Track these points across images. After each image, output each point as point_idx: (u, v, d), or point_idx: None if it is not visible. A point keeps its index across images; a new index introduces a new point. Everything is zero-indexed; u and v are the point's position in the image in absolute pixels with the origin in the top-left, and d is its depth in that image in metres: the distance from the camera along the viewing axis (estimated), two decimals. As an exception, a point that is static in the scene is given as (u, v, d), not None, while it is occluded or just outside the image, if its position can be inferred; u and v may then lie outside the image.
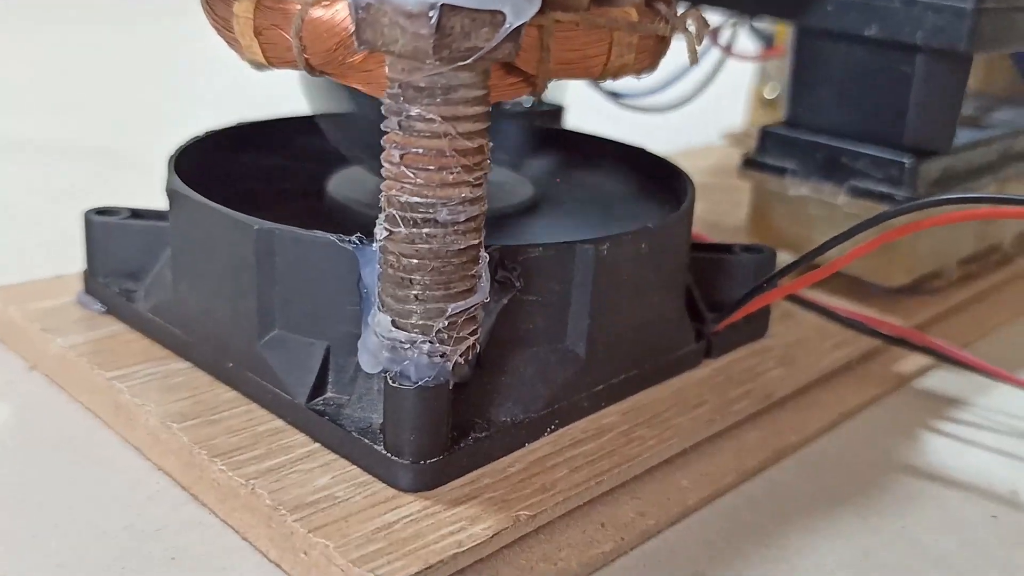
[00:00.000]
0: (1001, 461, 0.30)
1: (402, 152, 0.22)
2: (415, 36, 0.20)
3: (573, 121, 0.47)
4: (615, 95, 0.48)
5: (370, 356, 0.25)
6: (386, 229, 0.23)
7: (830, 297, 0.37)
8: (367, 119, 0.31)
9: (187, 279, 0.29)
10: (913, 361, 0.35)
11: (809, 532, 0.26)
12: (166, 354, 0.30)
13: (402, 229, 0.22)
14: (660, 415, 0.28)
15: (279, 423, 0.26)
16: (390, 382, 0.23)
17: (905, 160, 0.34)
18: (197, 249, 0.28)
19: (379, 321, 0.23)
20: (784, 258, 0.35)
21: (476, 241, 0.23)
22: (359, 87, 0.25)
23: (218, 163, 0.33)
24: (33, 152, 0.53)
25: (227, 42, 0.28)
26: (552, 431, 0.27)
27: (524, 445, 0.26)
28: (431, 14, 0.20)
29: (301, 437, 0.26)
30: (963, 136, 0.37)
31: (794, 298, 0.36)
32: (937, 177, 0.35)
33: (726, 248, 0.33)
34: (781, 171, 0.37)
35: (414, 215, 0.22)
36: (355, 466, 0.25)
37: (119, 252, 0.32)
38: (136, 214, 0.33)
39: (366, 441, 0.24)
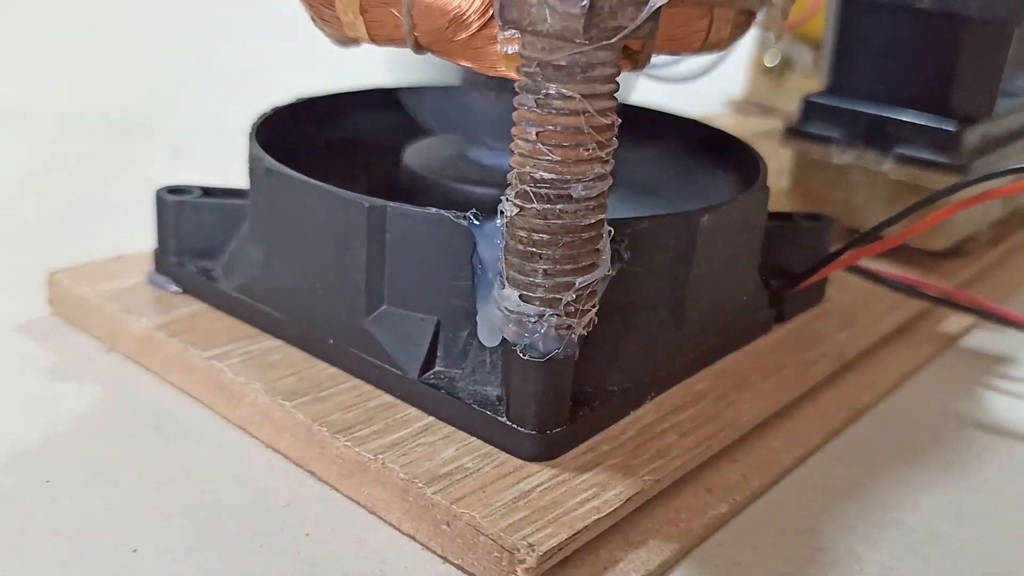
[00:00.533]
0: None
1: (539, 129, 0.22)
2: (565, 16, 0.21)
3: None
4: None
5: (490, 330, 0.25)
6: (516, 205, 0.23)
7: (873, 262, 0.38)
8: (451, 91, 0.32)
9: (281, 257, 0.29)
10: (957, 321, 0.37)
11: (901, 485, 0.27)
12: (254, 332, 0.30)
13: (535, 205, 0.23)
14: (747, 379, 0.29)
15: (388, 398, 0.27)
16: (520, 355, 0.24)
17: (951, 127, 0.36)
18: (294, 227, 0.28)
19: (505, 295, 0.24)
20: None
21: (603, 216, 0.24)
22: (466, 64, 0.26)
23: (290, 136, 0.33)
24: (43, 119, 0.52)
25: (320, 19, 0.28)
26: (652, 398, 0.28)
27: (630, 412, 0.27)
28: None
29: (414, 411, 0.26)
30: (999, 103, 0.38)
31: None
32: (978, 143, 0.37)
33: (788, 216, 0.34)
34: (824, 140, 0.38)
35: (549, 191, 0.23)
36: (474, 438, 0.25)
37: (193, 231, 0.32)
38: (207, 192, 0.32)
39: (488, 413, 0.25)
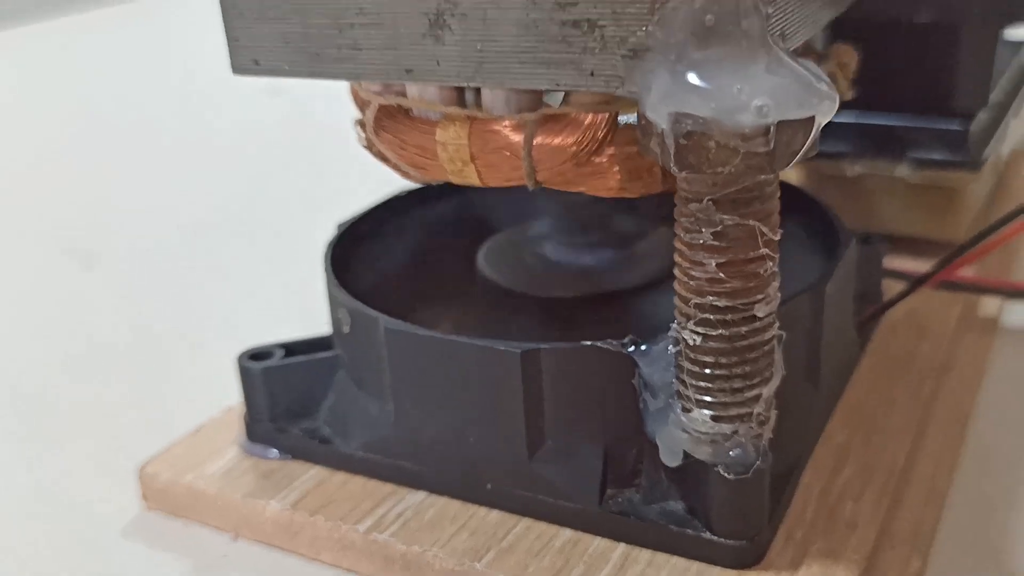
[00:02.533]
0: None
1: (718, 260, 0.23)
2: (749, 155, 0.21)
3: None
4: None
5: (671, 452, 0.25)
6: (698, 333, 0.23)
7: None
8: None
9: (418, 411, 0.28)
10: (988, 304, 0.39)
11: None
12: (392, 489, 0.29)
13: (720, 331, 0.23)
14: (874, 419, 0.30)
15: (568, 533, 0.27)
16: (724, 474, 0.24)
17: (958, 126, 0.38)
18: (430, 381, 0.27)
19: (695, 418, 0.24)
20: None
21: (777, 324, 0.24)
22: (588, 192, 0.26)
23: (351, 259, 0.32)
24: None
25: (412, 167, 0.27)
26: (806, 464, 0.28)
27: (797, 487, 0.28)
28: (768, 133, 0.21)
29: (601, 542, 0.26)
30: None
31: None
32: (982, 133, 0.39)
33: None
34: (835, 155, 0.40)
35: (732, 316, 0.23)
36: (675, 556, 0.26)
37: (284, 394, 0.31)
38: (290, 350, 0.31)
39: (688, 531, 0.25)
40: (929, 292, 0.37)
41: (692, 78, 0.21)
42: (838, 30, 0.37)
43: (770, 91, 0.21)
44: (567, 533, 0.27)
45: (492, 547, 0.26)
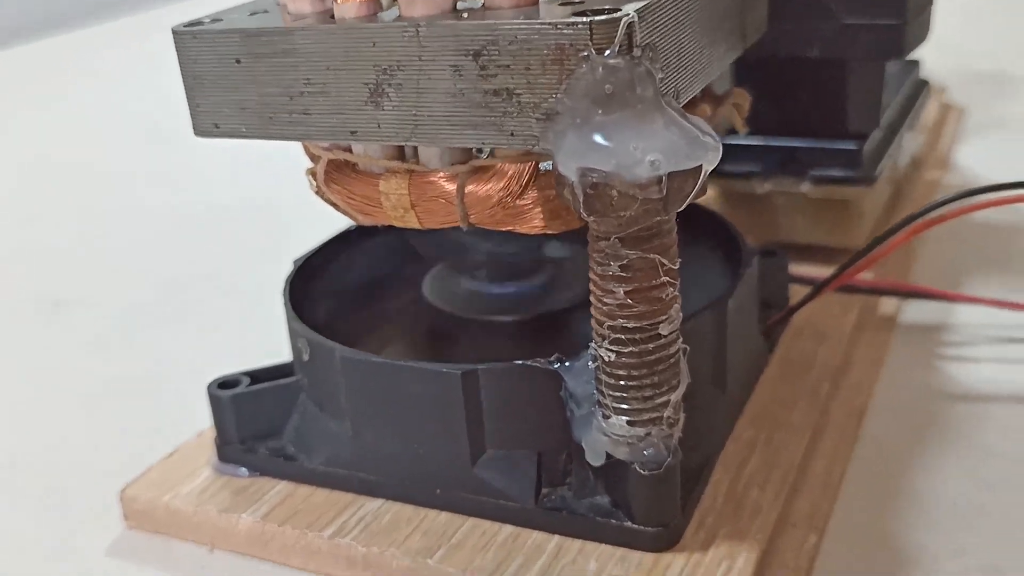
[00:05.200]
0: (1009, 369, 0.39)
1: (626, 288, 0.26)
2: (646, 201, 0.25)
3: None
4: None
5: (594, 453, 0.29)
6: (612, 351, 0.27)
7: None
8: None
9: (372, 429, 0.31)
10: (887, 304, 0.43)
11: (928, 471, 0.33)
12: (352, 498, 0.32)
13: (631, 348, 0.27)
14: (777, 418, 0.34)
15: (509, 528, 0.30)
16: (640, 471, 0.28)
17: (853, 145, 0.42)
18: (381, 401, 0.31)
19: (612, 425, 0.28)
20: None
21: (680, 337, 0.28)
22: (516, 230, 0.29)
23: (308, 299, 0.35)
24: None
25: (359, 214, 0.30)
26: (716, 460, 0.32)
27: (709, 480, 0.31)
28: (661, 183, 0.24)
29: (537, 535, 0.30)
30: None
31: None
32: (875, 150, 0.43)
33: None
34: (746, 175, 0.44)
35: (641, 335, 0.27)
36: (603, 544, 0.29)
37: (251, 418, 0.34)
38: (255, 378, 0.34)
39: (612, 521, 0.29)
40: (830, 297, 0.41)
41: (596, 138, 0.24)
42: (743, 67, 0.42)
43: (661, 147, 0.24)
44: (508, 529, 0.30)
45: (443, 545, 0.30)
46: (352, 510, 0.32)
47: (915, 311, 0.43)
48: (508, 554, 0.29)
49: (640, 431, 0.28)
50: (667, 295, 0.27)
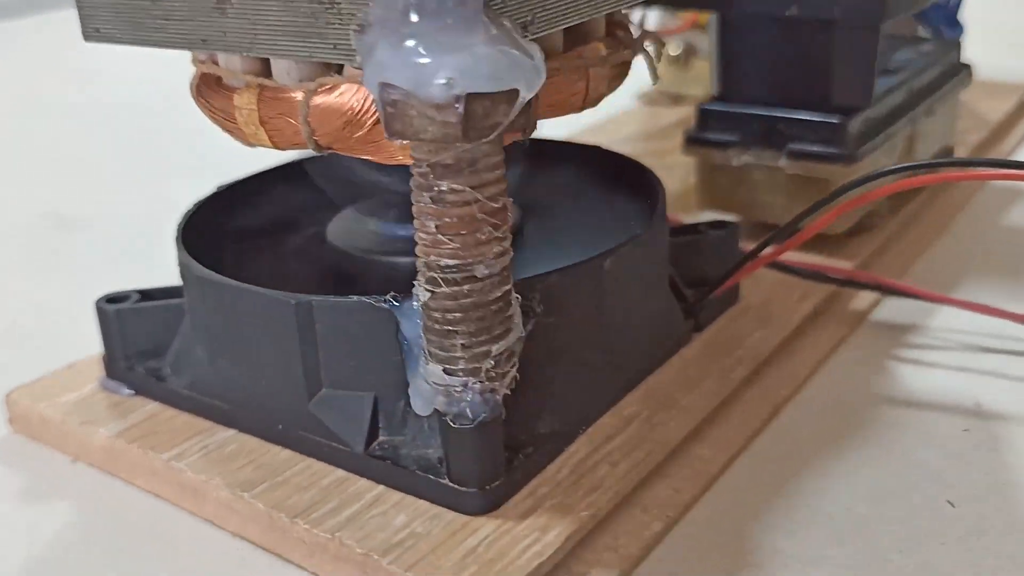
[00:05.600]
0: (961, 378, 0.34)
1: (437, 222, 0.24)
2: (444, 124, 0.23)
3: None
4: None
5: (423, 401, 0.27)
6: (428, 290, 0.25)
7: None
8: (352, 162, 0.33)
9: (223, 354, 0.31)
10: (864, 298, 0.39)
11: (821, 474, 0.30)
12: (209, 425, 0.32)
13: (444, 288, 0.25)
14: (672, 396, 0.32)
15: (340, 473, 0.29)
16: (451, 424, 0.26)
17: (835, 120, 0.38)
18: (231, 326, 0.30)
19: (430, 371, 0.26)
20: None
21: (508, 287, 0.26)
22: (366, 157, 0.28)
23: (215, 228, 0.34)
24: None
25: (227, 131, 0.29)
26: (584, 431, 0.30)
27: (564, 450, 0.29)
28: (457, 104, 0.22)
29: (364, 483, 0.28)
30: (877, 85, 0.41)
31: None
32: (862, 130, 0.39)
33: (694, 229, 0.36)
34: (723, 144, 0.40)
35: (455, 275, 0.25)
36: (422, 500, 0.27)
37: (136, 335, 0.34)
38: (145, 295, 0.34)
39: (431, 477, 0.27)
40: (795, 284, 0.38)
41: (396, 52, 0.23)
42: (728, 26, 0.39)
43: (460, 66, 0.22)
44: (340, 474, 0.29)
45: (267, 480, 0.29)
46: (202, 437, 0.31)
47: (894, 309, 0.39)
48: (324, 497, 0.28)
49: (456, 381, 0.26)
50: (485, 235, 0.25)
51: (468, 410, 0.26)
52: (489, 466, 0.27)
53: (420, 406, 0.27)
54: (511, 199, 0.25)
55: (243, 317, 0.29)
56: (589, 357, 0.30)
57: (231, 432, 0.31)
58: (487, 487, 0.27)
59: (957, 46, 0.47)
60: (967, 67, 0.47)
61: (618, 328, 0.31)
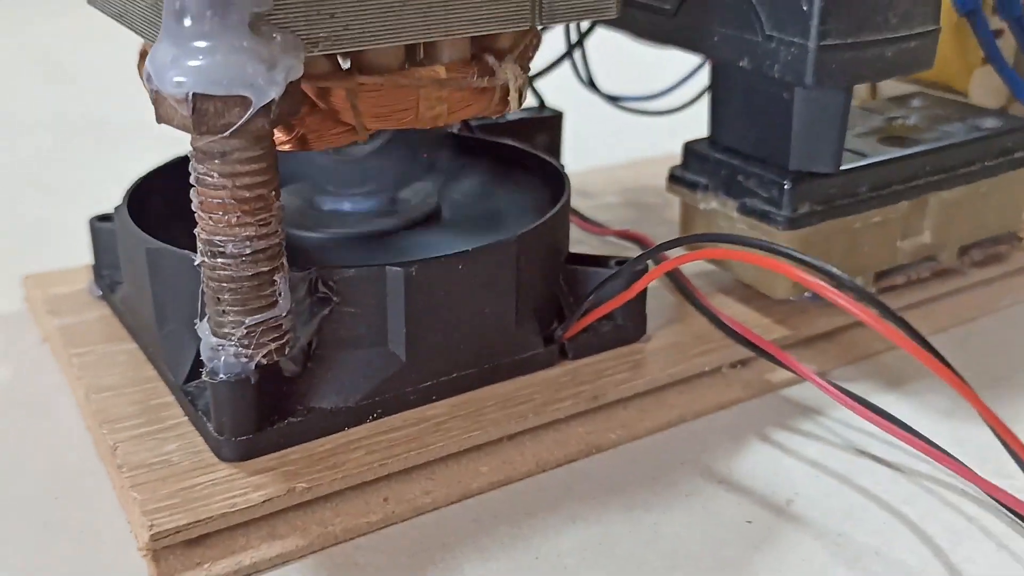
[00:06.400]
0: (803, 473, 0.33)
1: (199, 200, 0.28)
2: (183, 117, 0.26)
3: (574, 124, 0.52)
4: (614, 99, 0.51)
5: (204, 348, 0.31)
6: (196, 256, 0.29)
7: (737, 302, 0.40)
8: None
9: (129, 283, 0.36)
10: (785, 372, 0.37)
11: (568, 520, 0.30)
12: (125, 335, 0.38)
13: (203, 258, 0.29)
14: (481, 410, 0.33)
15: (170, 399, 0.34)
16: (205, 375, 0.30)
17: (782, 181, 0.37)
18: (128, 261, 0.36)
19: (201, 327, 0.30)
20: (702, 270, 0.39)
21: (267, 268, 0.29)
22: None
23: (159, 190, 0.38)
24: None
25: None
26: (375, 418, 0.32)
27: (344, 429, 0.32)
28: (188, 102, 0.26)
29: (178, 411, 0.33)
30: (880, 152, 0.39)
31: (693, 300, 0.39)
32: (818, 194, 0.37)
33: (602, 261, 0.37)
34: (694, 185, 0.40)
35: (212, 248, 0.28)
36: (200, 437, 0.32)
37: (111, 250, 0.40)
38: (128, 219, 0.41)
39: (205, 420, 0.31)
40: (720, 338, 0.37)
41: (159, 47, 0.27)
42: (717, 72, 0.39)
43: (191, 69, 0.26)
44: (170, 399, 0.33)
45: (117, 389, 0.34)
46: (111, 344, 0.37)
47: (813, 391, 0.37)
48: (139, 414, 0.33)
49: (214, 341, 0.30)
50: (236, 219, 0.28)
51: (221, 367, 0.30)
52: (238, 419, 0.30)
53: (204, 355, 0.31)
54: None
55: (134, 256, 0.35)
56: (390, 353, 0.32)
57: (133, 346, 0.37)
58: (234, 438, 0.30)
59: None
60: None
61: (430, 332, 0.32)
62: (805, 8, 0.33)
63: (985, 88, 0.45)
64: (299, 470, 0.30)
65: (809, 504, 0.31)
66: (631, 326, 0.37)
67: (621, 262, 0.37)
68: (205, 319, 0.30)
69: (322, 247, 0.36)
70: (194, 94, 0.26)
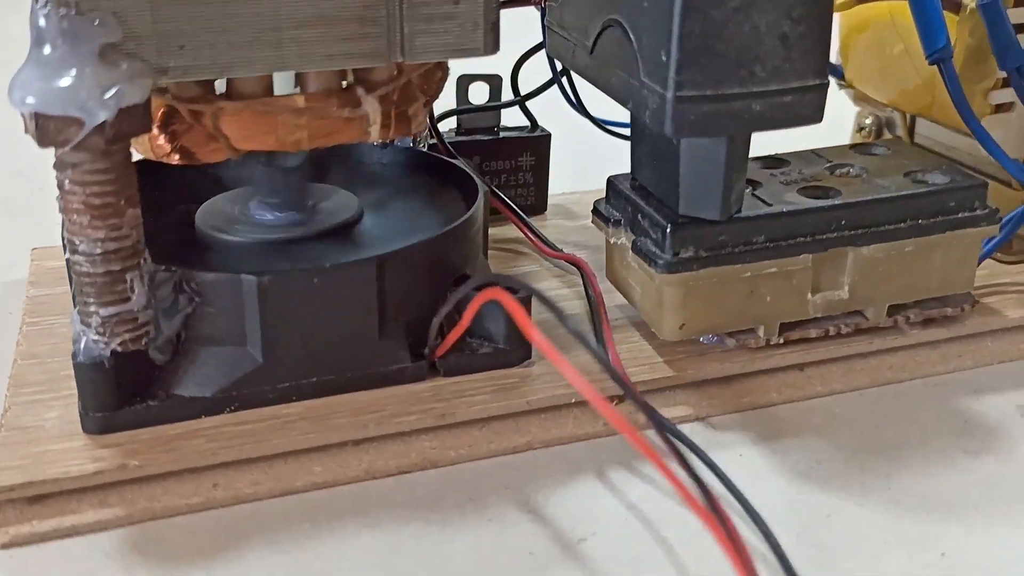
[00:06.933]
0: (612, 513, 0.33)
1: (61, 203, 0.32)
2: (31, 132, 0.30)
3: (560, 145, 0.53)
4: (600, 123, 0.52)
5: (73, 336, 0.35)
6: (66, 253, 0.33)
7: (645, 338, 0.40)
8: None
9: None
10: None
11: (367, 526, 0.32)
12: (76, 310, 0.42)
13: (69, 255, 0.33)
14: (330, 415, 0.36)
15: (79, 365, 0.38)
16: (71, 356, 0.34)
17: (664, 224, 0.37)
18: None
19: (74, 314, 0.34)
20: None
21: (118, 267, 0.32)
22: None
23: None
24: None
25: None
26: (233, 411, 0.35)
27: (200, 417, 0.35)
28: (31, 120, 0.30)
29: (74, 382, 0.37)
30: (789, 203, 0.38)
31: (596, 330, 0.40)
32: (714, 242, 0.37)
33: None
34: (609, 220, 0.41)
35: (72, 247, 0.32)
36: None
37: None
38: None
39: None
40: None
41: (24, 68, 0.30)
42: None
43: (37, 91, 0.30)
44: (77, 371, 0.38)
45: (62, 356, 0.39)
46: (62, 319, 0.42)
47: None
48: (54, 381, 0.37)
49: (79, 327, 0.34)
50: (86, 222, 0.32)
51: (81, 351, 0.33)
52: (93, 397, 0.34)
53: (73, 338, 0.35)
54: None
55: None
56: (247, 352, 0.35)
57: (77, 320, 0.42)
58: (92, 414, 0.34)
59: (978, 187, 0.40)
60: (990, 212, 0.40)
61: (285, 337, 0.35)
62: (664, 58, 0.33)
63: (1000, 136, 0.43)
64: (141, 449, 0.34)
65: (600, 545, 0.32)
66: (512, 349, 0.38)
67: (514, 289, 0.38)
68: (76, 307, 0.34)
69: (241, 251, 0.39)
70: (35, 113, 0.30)
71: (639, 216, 0.39)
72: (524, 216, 0.48)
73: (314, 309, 0.35)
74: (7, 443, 0.34)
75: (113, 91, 0.30)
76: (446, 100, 0.51)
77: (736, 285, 0.38)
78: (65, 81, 0.30)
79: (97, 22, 0.30)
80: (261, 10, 0.31)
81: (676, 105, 0.33)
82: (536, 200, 0.53)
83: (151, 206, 0.42)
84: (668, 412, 0.38)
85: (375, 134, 0.35)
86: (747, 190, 0.39)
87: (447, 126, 0.51)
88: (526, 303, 0.35)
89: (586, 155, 0.58)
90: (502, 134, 0.52)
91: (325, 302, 0.35)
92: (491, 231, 0.51)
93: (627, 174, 0.41)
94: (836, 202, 0.39)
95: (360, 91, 0.34)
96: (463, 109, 0.51)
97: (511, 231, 0.49)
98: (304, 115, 0.34)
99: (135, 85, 0.30)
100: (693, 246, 0.37)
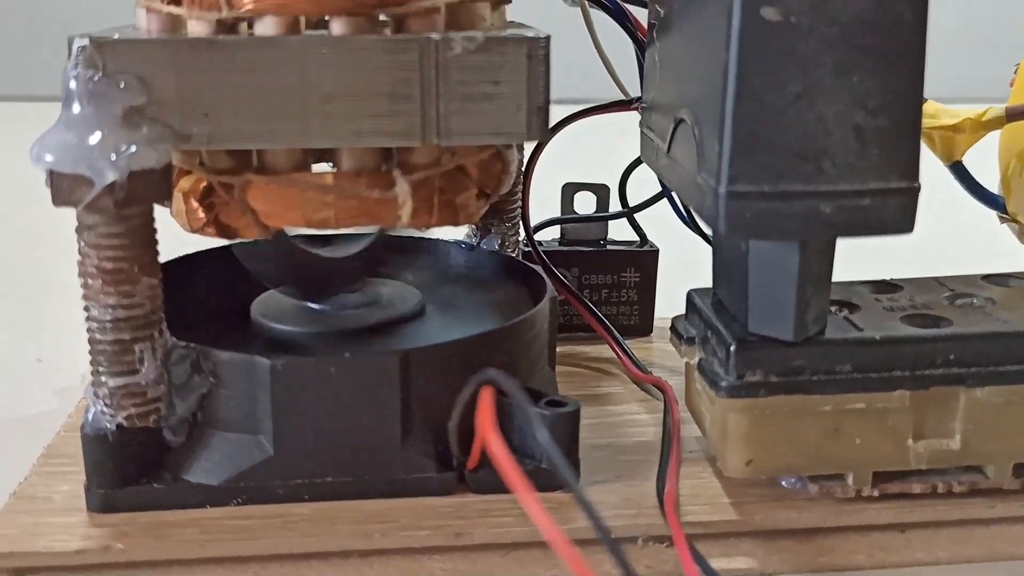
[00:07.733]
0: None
1: (79, 265, 0.32)
2: (49, 186, 0.30)
3: (674, 263, 0.49)
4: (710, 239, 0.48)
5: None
6: (84, 316, 0.32)
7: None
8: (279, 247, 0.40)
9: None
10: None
11: None
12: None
13: (85, 319, 0.32)
14: (336, 519, 0.33)
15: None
16: (81, 427, 0.33)
17: (733, 343, 0.32)
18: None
19: (88, 384, 0.33)
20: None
21: (128, 336, 0.31)
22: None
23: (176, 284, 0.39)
24: None
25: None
26: (239, 504, 0.33)
27: (205, 506, 0.33)
28: (48, 177, 0.30)
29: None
30: (884, 328, 0.33)
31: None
32: (788, 367, 0.32)
33: (535, 396, 0.35)
34: (683, 338, 0.37)
35: (86, 311, 0.32)
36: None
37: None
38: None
39: (90, 467, 0.34)
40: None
41: (52, 127, 0.31)
42: None
43: (54, 148, 0.30)
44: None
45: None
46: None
47: None
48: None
49: (91, 396, 0.33)
50: (99, 287, 0.31)
51: (89, 422, 0.32)
52: (99, 473, 0.32)
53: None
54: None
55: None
56: (259, 442, 0.33)
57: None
58: (94, 490, 0.33)
59: None
60: None
61: (298, 431, 0.33)
62: (717, 148, 0.29)
63: None
64: (132, 532, 0.32)
65: None
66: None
67: (553, 403, 0.34)
68: (90, 375, 0.33)
69: (281, 339, 0.37)
70: (50, 170, 0.30)
71: (708, 333, 0.34)
72: (615, 332, 0.44)
73: (330, 402, 0.33)
74: (10, 511, 0.33)
75: (125, 152, 0.29)
76: (551, 209, 0.49)
77: (815, 420, 0.33)
78: (80, 139, 0.29)
79: (123, 85, 0.30)
80: (287, 80, 0.30)
81: (728, 201, 0.29)
82: (640, 320, 0.49)
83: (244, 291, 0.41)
84: (725, 563, 0.33)
85: (405, 218, 0.33)
86: (841, 314, 0.34)
87: (550, 235, 0.49)
88: (520, 403, 0.30)
89: (705, 275, 0.53)
90: (608, 247, 0.49)
91: (342, 395, 0.33)
92: (586, 349, 0.48)
93: (709, 288, 0.37)
94: (942, 332, 0.33)
95: (397, 173, 0.33)
96: (566, 219, 0.48)
97: (607, 351, 0.46)
98: (331, 193, 0.32)
99: (151, 149, 0.30)
100: (762, 369, 0.32)
